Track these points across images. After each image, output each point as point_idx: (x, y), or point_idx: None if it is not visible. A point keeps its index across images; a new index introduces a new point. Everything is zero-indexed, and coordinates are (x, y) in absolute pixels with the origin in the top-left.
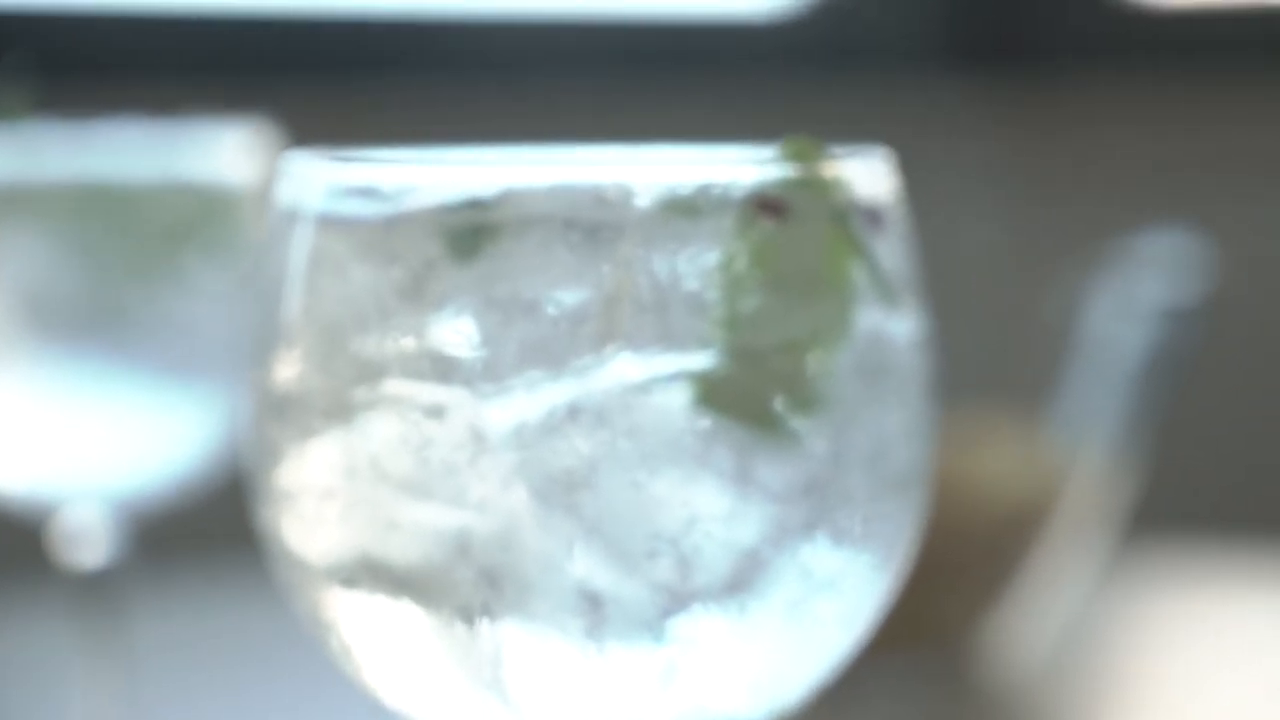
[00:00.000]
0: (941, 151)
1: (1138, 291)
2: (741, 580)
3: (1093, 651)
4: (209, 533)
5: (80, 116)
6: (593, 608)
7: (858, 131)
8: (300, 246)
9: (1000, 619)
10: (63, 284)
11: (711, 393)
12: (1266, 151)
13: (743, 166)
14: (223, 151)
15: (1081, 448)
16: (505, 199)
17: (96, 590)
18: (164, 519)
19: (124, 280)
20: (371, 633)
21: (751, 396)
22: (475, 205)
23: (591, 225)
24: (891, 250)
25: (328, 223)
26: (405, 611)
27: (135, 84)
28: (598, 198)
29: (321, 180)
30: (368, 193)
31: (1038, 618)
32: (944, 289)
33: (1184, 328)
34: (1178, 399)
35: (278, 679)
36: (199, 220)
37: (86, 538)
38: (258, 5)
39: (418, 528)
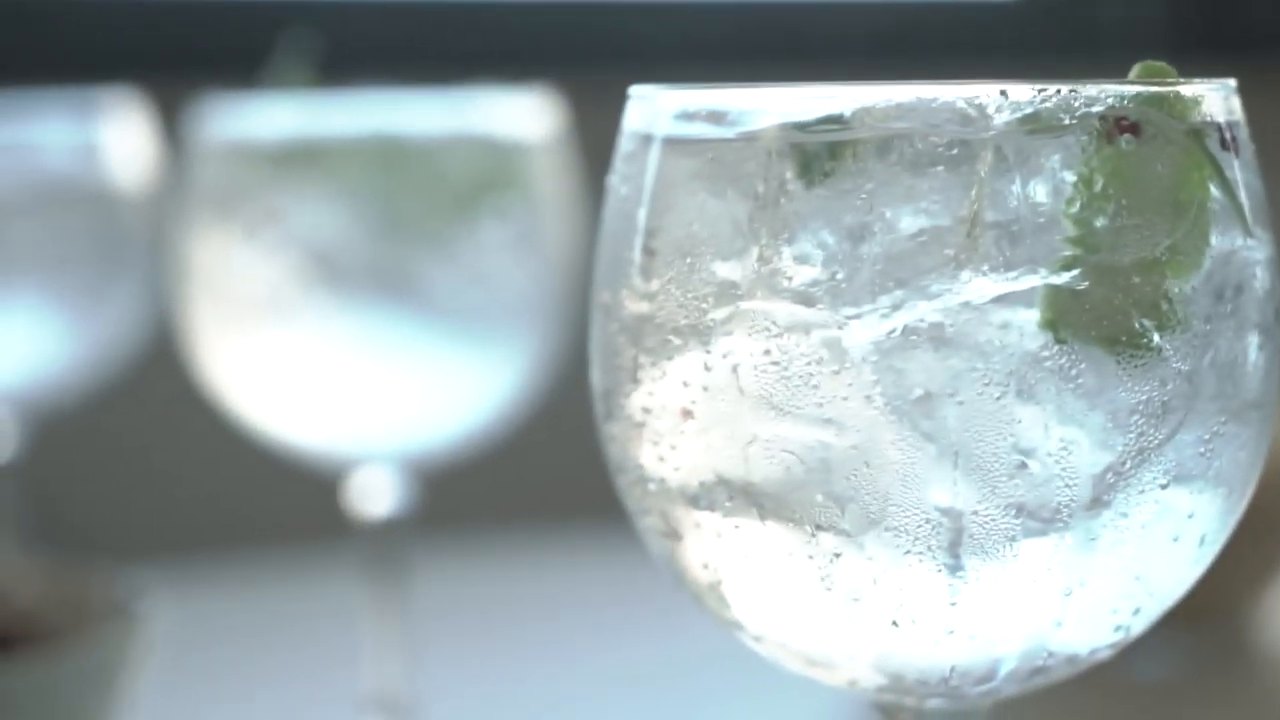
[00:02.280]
0: None
1: None
2: (1100, 499)
3: None
4: (496, 488)
5: (362, 85)
6: (953, 525)
7: None
8: (650, 171)
9: (1272, 583)
10: (359, 240)
11: (1070, 312)
12: None
13: (1100, 85)
14: (511, 112)
15: None
16: (862, 115)
17: (386, 545)
18: (454, 476)
19: (419, 236)
20: (728, 551)
21: (1111, 315)
22: (830, 123)
23: (949, 143)
24: (1244, 172)
25: (678, 146)
26: (761, 529)
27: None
28: (956, 114)
29: (670, 106)
30: (715, 116)
31: None
32: None
33: None
34: None
35: (552, 634)
36: (490, 176)
37: (379, 493)
38: None
39: (779, 443)
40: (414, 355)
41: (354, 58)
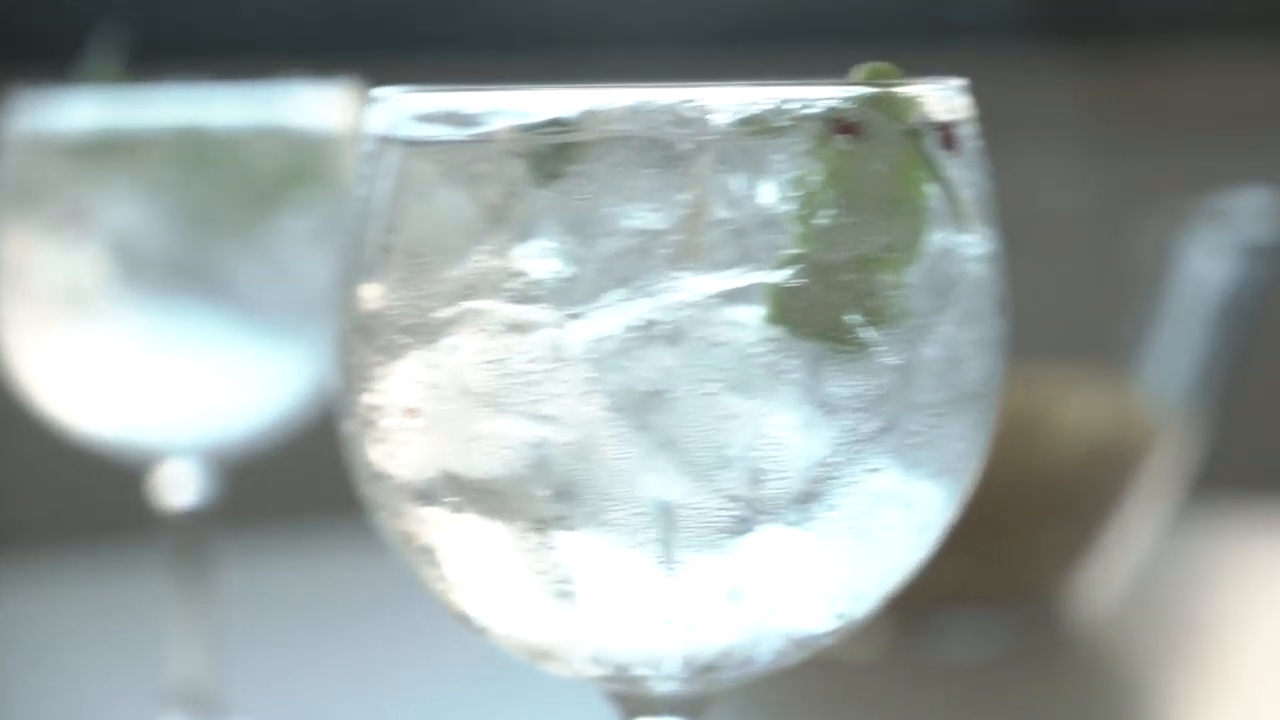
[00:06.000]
0: (1033, 110)
1: (1220, 242)
2: (812, 492)
3: (1170, 597)
4: (302, 479)
5: (174, 80)
6: (666, 519)
7: None
8: (388, 172)
9: (1083, 564)
10: (163, 234)
11: (785, 307)
12: None
13: (819, 87)
14: (316, 104)
15: (1165, 394)
16: (587, 118)
17: (190, 535)
18: (258, 465)
19: (222, 229)
20: (452, 546)
21: (824, 310)
22: (557, 125)
23: (670, 144)
24: (964, 170)
25: (414, 148)
26: (484, 525)
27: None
28: (676, 116)
29: (409, 108)
30: (452, 117)
31: (1119, 563)
32: (1034, 242)
33: (1262, 274)
34: (1252, 348)
35: (358, 621)
36: (295, 169)
37: (183, 486)
38: None
39: (498, 440)
40: (217, 348)
41: (166, 51)
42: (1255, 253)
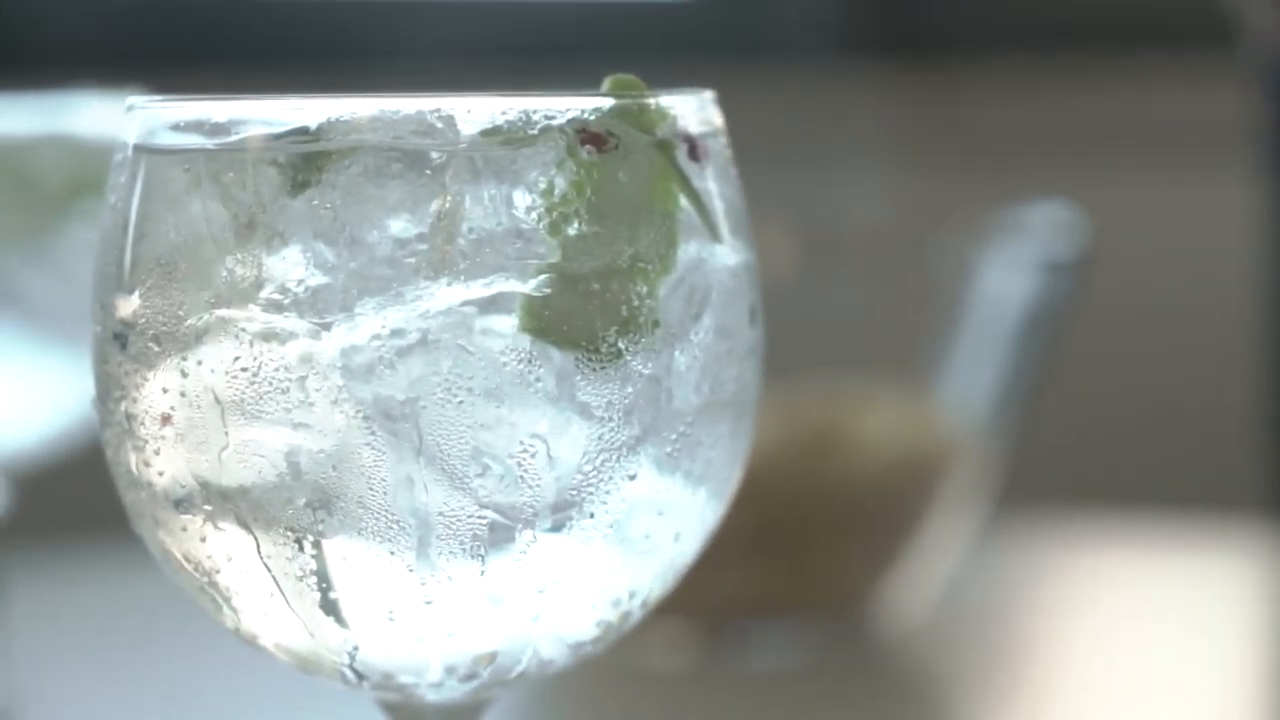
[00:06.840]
0: (841, 131)
1: (1019, 257)
2: (568, 499)
3: (976, 608)
4: (96, 492)
5: None
6: (422, 526)
7: (764, 110)
8: (140, 180)
9: (889, 576)
10: None
11: (536, 316)
12: (1131, 129)
13: (568, 98)
14: (104, 115)
15: (966, 408)
16: (330, 127)
17: None
18: (50, 478)
19: (10, 240)
20: (212, 555)
21: (573, 320)
22: (301, 134)
23: (417, 153)
24: (714, 182)
25: (166, 156)
26: (241, 532)
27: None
28: (422, 125)
29: (162, 117)
30: (200, 126)
31: (925, 575)
32: (837, 256)
33: (1061, 289)
34: (1051, 363)
35: (157, 637)
36: (83, 179)
37: None
38: None
39: (252, 448)
40: (4, 359)
41: None
42: (1053, 268)
